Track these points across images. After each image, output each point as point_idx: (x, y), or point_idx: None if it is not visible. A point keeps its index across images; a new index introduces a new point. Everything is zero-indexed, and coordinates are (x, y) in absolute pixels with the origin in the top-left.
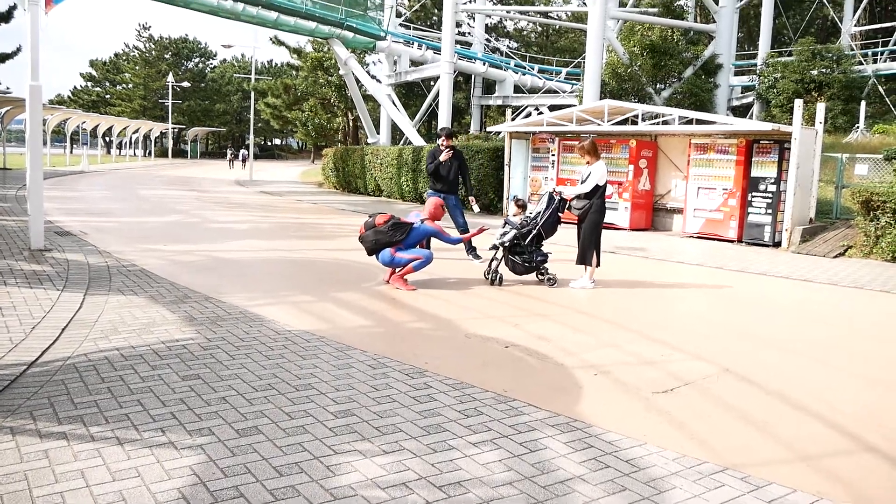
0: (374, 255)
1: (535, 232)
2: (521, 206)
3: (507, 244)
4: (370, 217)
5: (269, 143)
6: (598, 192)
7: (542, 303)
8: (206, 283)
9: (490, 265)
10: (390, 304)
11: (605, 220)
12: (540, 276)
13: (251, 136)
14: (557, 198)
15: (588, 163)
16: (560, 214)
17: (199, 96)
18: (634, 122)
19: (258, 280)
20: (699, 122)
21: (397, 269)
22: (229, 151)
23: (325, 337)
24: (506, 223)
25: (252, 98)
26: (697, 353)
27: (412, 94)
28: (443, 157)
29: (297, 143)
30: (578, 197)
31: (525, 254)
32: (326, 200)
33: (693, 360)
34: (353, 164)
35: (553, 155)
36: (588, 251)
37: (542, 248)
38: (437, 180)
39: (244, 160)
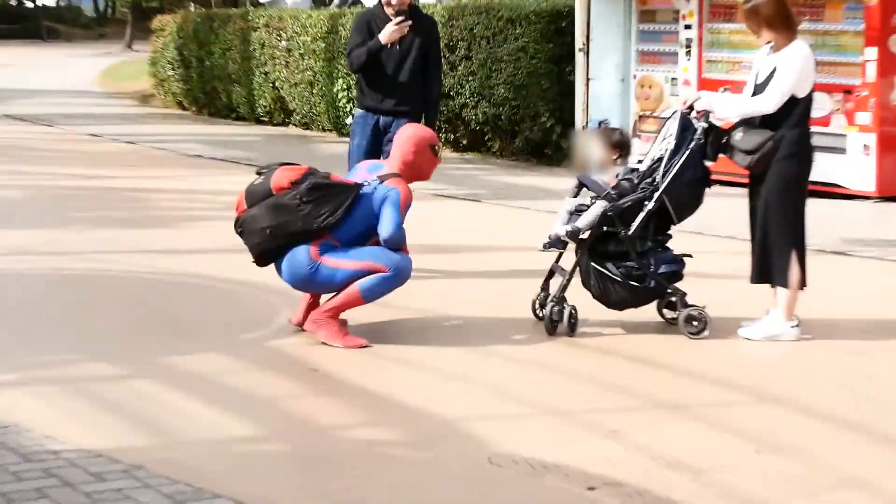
0: (271, 264)
1: (650, 206)
2: (618, 145)
3: (584, 236)
4: (260, 173)
5: (30, 5)
6: (793, 114)
7: (675, 378)
8: None
9: (544, 288)
10: (306, 383)
11: (813, 178)
12: (668, 312)
13: None
14: (700, 124)
15: (772, 46)
16: (708, 163)
17: None
18: None
19: None
20: None
21: (323, 298)
22: None
23: (144, 469)
24: (581, 186)
25: None
26: None
27: None
28: (388, 34)
29: (96, 2)
30: (748, 124)
31: (629, 257)
32: (159, 136)
33: None
34: (222, 51)
35: (687, 26)
36: (781, 250)
37: (668, 246)
38: (373, 84)
39: None
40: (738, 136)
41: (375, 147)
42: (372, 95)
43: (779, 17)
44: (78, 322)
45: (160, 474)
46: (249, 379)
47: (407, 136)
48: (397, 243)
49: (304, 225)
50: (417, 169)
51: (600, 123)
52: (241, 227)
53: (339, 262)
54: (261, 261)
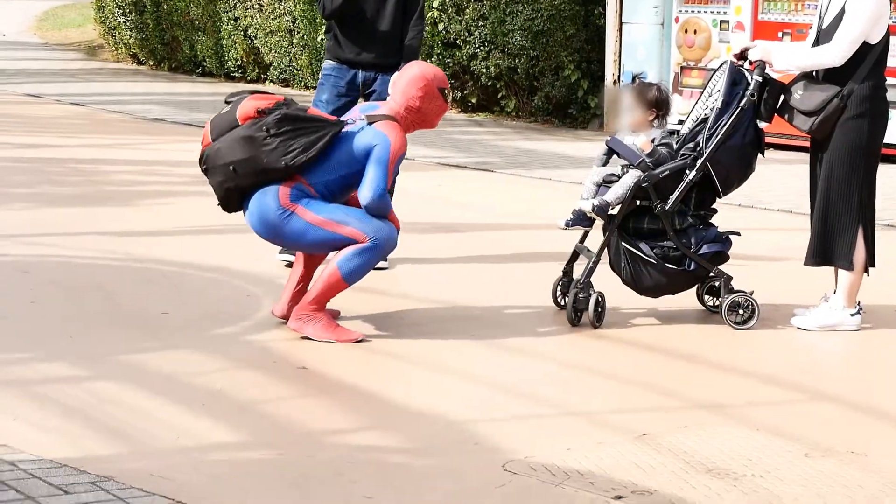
0: (239, 210)
1: (691, 176)
2: (655, 104)
3: (613, 211)
4: (228, 102)
5: None
6: (863, 64)
7: (715, 374)
8: None
9: (566, 272)
10: (294, 384)
11: (886, 141)
12: (710, 298)
13: None
14: (754, 77)
15: None
16: (761, 124)
17: None
18: None
19: None
20: None
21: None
22: None
23: (111, 480)
24: (610, 152)
25: None
26: None
27: None
28: None
29: None
30: (808, 78)
31: (666, 236)
32: (112, 96)
33: None
34: None
35: None
36: (844, 226)
37: (712, 222)
38: (349, 32)
39: None
40: (797, 94)
41: (349, 106)
42: (349, 46)
43: None
44: (25, 316)
45: (132, 486)
46: (228, 380)
47: (413, 75)
48: (379, 211)
49: (269, 161)
50: (422, 116)
51: (635, 78)
52: (206, 163)
53: (312, 217)
54: (225, 203)
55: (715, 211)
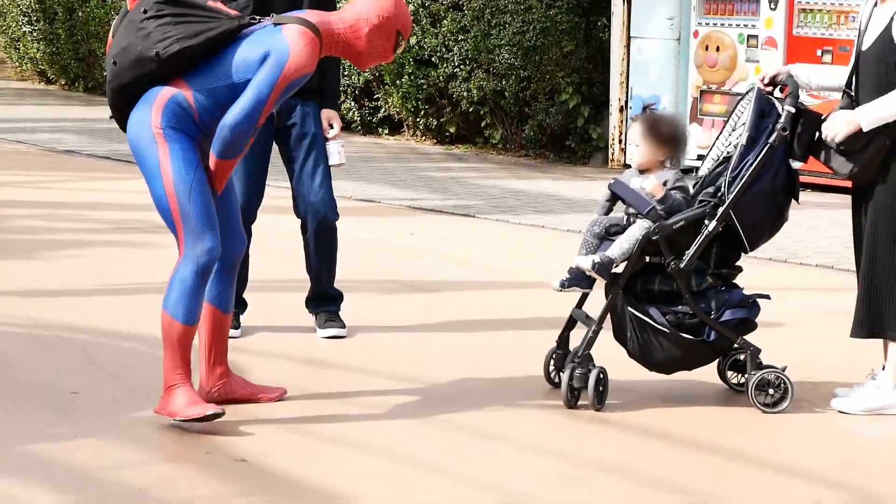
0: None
1: (711, 227)
2: (669, 140)
3: (617, 269)
4: None
5: None
6: None
7: (743, 467)
8: None
9: (560, 344)
10: (232, 481)
11: None
12: (734, 374)
13: None
14: (785, 107)
15: None
16: (795, 164)
17: None
18: None
19: None
20: None
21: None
22: None
23: None
24: (614, 197)
25: None
26: None
27: None
28: None
29: None
30: (845, 109)
31: (681, 300)
32: (16, 122)
33: None
34: (96, 4)
35: None
36: (894, 290)
37: (737, 282)
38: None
39: None
40: (840, 124)
41: (265, 151)
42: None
43: None
44: None
45: None
46: (152, 476)
47: (378, 3)
48: (226, 149)
49: (143, 49)
50: (357, 49)
51: (646, 108)
52: (111, 68)
53: (166, 167)
54: (115, 112)
55: (740, 269)
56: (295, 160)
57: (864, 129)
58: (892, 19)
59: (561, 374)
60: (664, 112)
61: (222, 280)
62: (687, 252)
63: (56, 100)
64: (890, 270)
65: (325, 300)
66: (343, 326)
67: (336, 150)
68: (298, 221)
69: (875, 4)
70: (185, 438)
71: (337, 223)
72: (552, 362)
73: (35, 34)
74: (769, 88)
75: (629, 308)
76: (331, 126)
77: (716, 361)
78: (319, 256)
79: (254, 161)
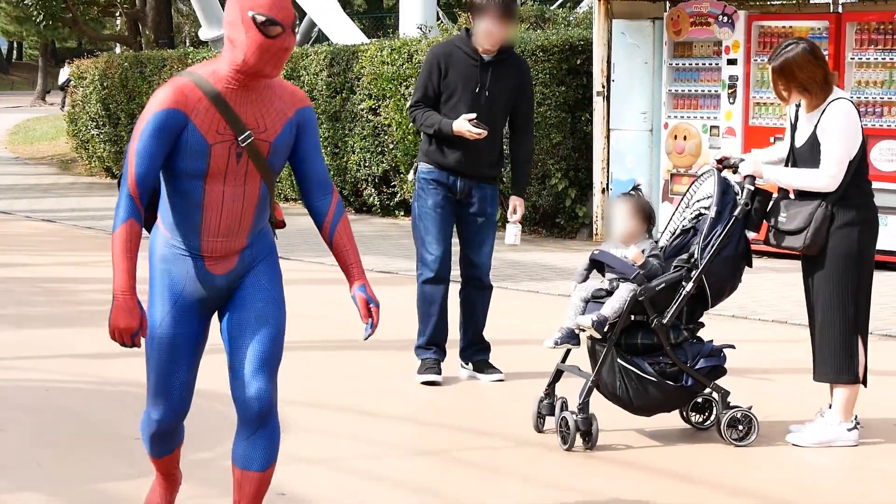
0: None
1: (688, 288)
2: (649, 214)
3: (604, 327)
4: None
5: None
6: (847, 178)
7: (709, 492)
8: None
9: (548, 393)
10: None
11: (881, 248)
12: (696, 415)
13: None
14: (745, 186)
15: (806, 105)
16: (750, 234)
17: None
18: None
19: None
20: None
21: None
22: None
23: None
24: (593, 266)
25: None
26: None
27: None
28: (461, 129)
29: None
30: (800, 196)
31: (661, 351)
32: (84, 211)
33: None
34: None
35: (731, 60)
36: (846, 343)
37: (700, 335)
38: (444, 141)
39: None
40: (782, 217)
41: (451, 214)
42: (448, 152)
43: (815, 80)
44: None
45: None
46: None
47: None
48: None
49: None
50: (234, 52)
51: (635, 188)
52: None
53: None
54: None
55: (703, 324)
56: (468, 232)
57: (767, 185)
58: (815, 127)
59: (548, 418)
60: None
61: (239, 434)
62: (668, 310)
63: (115, 191)
64: (839, 322)
65: (480, 350)
66: (500, 371)
67: (514, 233)
68: (327, 293)
69: (798, 106)
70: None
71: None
72: (541, 410)
73: (101, 136)
74: (720, 166)
75: (619, 360)
76: (514, 211)
77: (690, 402)
78: (478, 311)
79: (445, 225)
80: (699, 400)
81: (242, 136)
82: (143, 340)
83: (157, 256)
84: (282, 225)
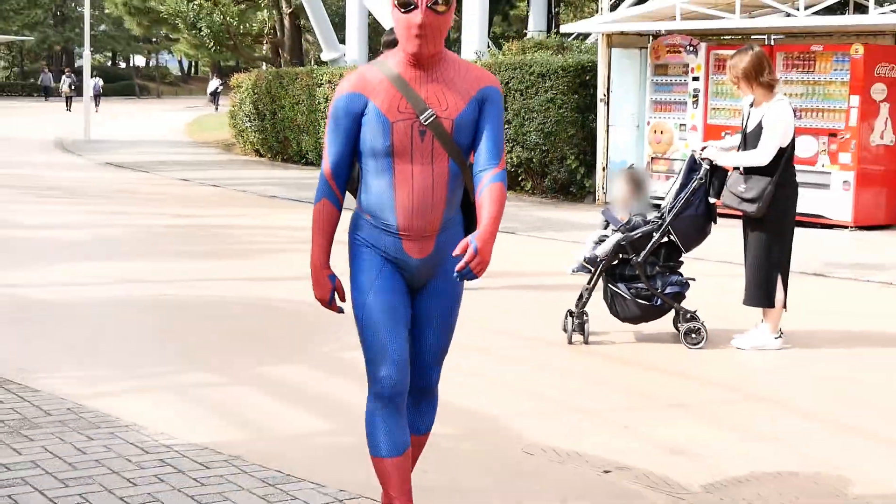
0: None
1: (656, 237)
2: (636, 184)
3: (602, 262)
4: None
5: (125, 66)
6: (781, 160)
7: (676, 380)
8: (5, 352)
9: (577, 307)
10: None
11: (799, 212)
12: (676, 326)
13: (86, 52)
14: (704, 166)
15: (753, 102)
16: (714, 201)
17: None
18: (862, 9)
19: (107, 344)
20: None
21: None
22: (65, 80)
23: (240, 458)
24: (605, 221)
25: None
26: None
27: None
28: None
29: (182, 62)
30: (743, 172)
31: (641, 280)
32: (240, 179)
33: None
34: (291, 105)
35: (695, 78)
36: (768, 278)
37: (680, 270)
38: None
39: (97, 96)
40: (740, 187)
41: None
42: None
43: (755, 74)
44: (181, 339)
45: (254, 462)
46: (325, 384)
47: None
48: None
49: None
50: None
51: (631, 166)
52: None
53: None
54: None
55: (682, 263)
56: None
57: (720, 164)
58: (762, 119)
59: (568, 325)
60: (639, 169)
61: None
62: (642, 251)
63: (264, 166)
64: (768, 262)
65: None
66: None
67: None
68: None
69: (751, 105)
70: (343, 361)
71: None
72: (570, 316)
73: (252, 128)
74: (696, 153)
75: (609, 285)
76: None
77: (673, 317)
78: None
79: None
80: (679, 314)
81: (424, 115)
82: (340, 305)
83: (358, 235)
84: None
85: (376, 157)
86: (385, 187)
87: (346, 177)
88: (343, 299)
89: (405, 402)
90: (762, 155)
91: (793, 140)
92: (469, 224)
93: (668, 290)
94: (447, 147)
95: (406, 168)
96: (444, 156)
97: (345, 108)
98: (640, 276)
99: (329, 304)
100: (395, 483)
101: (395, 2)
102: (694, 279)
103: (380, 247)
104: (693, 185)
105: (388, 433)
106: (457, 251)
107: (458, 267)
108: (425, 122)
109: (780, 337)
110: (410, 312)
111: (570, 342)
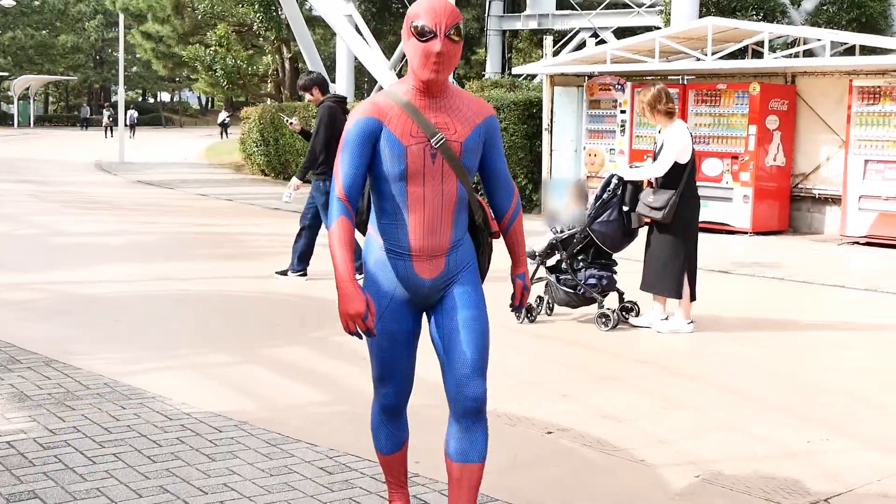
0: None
1: (576, 239)
2: (580, 194)
3: (539, 256)
4: None
5: (153, 101)
6: (683, 175)
7: (609, 357)
8: (51, 337)
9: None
10: (360, 366)
11: (707, 220)
12: (624, 314)
13: (121, 89)
14: (613, 181)
15: (662, 127)
16: (626, 209)
17: (32, 23)
18: (758, 54)
19: (138, 330)
20: (866, 50)
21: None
22: (106, 113)
23: (248, 423)
24: (552, 222)
25: (121, 24)
26: (870, 440)
27: (388, 13)
28: None
29: (200, 98)
30: (654, 186)
31: (569, 274)
32: (249, 194)
33: (863, 451)
34: (290, 133)
35: (623, 111)
36: (675, 275)
37: (614, 269)
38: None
39: (133, 126)
40: (649, 198)
41: None
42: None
43: (655, 104)
44: (201, 326)
45: (259, 427)
46: (320, 362)
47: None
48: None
49: None
50: (411, 63)
51: (577, 181)
52: None
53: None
54: None
55: (615, 262)
56: None
57: (626, 178)
58: (663, 141)
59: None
60: (581, 181)
61: (451, 428)
62: (567, 250)
63: (269, 184)
64: (673, 260)
65: None
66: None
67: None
68: None
69: (659, 131)
70: (335, 344)
71: None
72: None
73: (259, 152)
74: (616, 173)
75: (546, 275)
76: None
77: (617, 305)
78: None
79: None
80: (627, 305)
81: (435, 138)
82: (373, 323)
83: (372, 261)
84: (497, 235)
85: (390, 180)
86: (398, 210)
87: (358, 198)
88: (373, 317)
89: (405, 409)
90: (657, 168)
91: (692, 158)
92: (475, 243)
93: (590, 282)
94: (456, 169)
95: (418, 191)
96: (452, 178)
97: (362, 131)
98: (568, 269)
99: (364, 320)
100: (394, 471)
101: (414, 31)
102: (615, 271)
103: (392, 273)
104: (604, 196)
105: (389, 436)
106: (516, 298)
107: (516, 302)
108: (436, 144)
109: (691, 322)
110: (420, 328)
111: (520, 322)
